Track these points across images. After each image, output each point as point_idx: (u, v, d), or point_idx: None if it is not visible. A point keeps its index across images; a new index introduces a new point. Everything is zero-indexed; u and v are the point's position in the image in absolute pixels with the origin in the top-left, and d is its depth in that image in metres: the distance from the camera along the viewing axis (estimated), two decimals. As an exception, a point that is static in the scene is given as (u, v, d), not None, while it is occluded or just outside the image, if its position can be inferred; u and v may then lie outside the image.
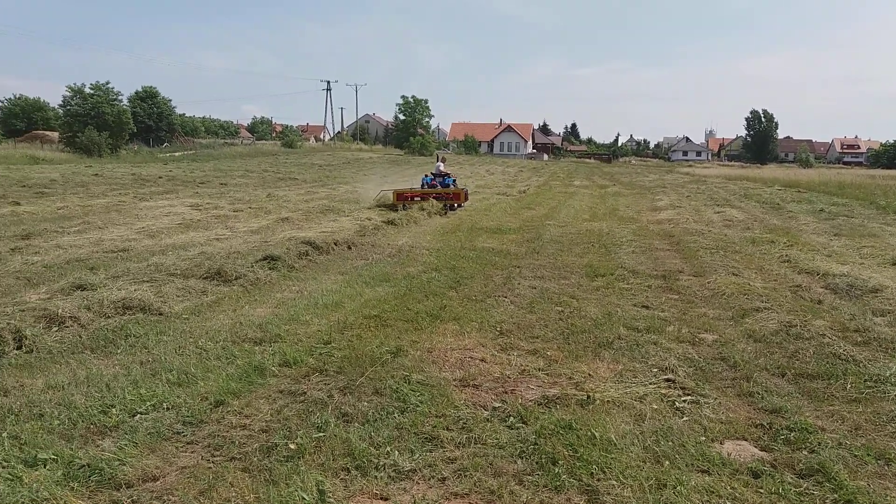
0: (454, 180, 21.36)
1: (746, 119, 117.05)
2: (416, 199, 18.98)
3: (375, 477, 3.75)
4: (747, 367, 5.74)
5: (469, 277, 9.45)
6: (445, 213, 18.47)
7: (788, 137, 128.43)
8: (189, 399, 4.76)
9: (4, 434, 4.12)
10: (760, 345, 6.45)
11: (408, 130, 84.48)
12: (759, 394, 5.12)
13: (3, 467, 3.71)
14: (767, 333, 6.76)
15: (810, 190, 30.49)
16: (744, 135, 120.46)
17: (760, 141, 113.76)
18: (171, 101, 69.10)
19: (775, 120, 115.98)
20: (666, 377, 5.42)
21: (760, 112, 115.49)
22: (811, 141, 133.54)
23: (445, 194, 19.50)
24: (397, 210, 17.73)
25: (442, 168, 21.38)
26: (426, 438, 4.24)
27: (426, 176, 21.27)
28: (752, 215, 19.71)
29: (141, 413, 4.52)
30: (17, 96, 68.03)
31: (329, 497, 3.50)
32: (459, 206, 19.66)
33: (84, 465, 3.75)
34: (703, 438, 4.32)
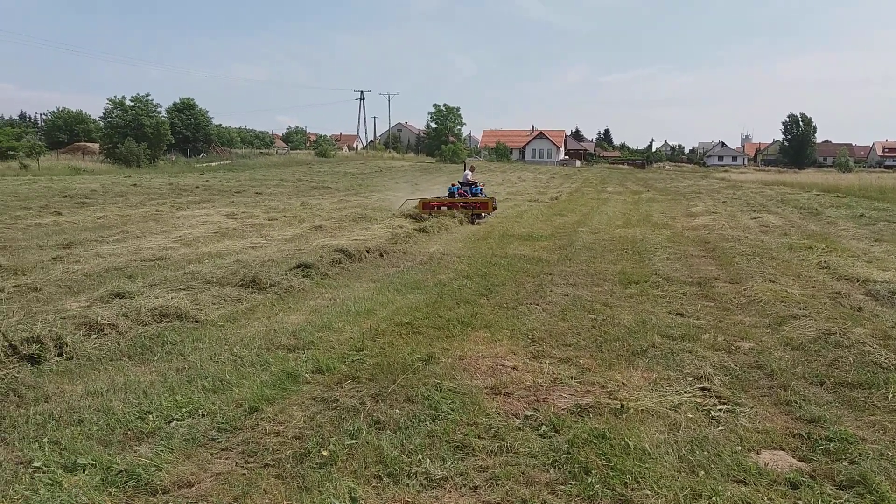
0: (482, 189, 20.87)
1: (783, 123, 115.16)
2: (442, 207, 18.62)
3: (407, 485, 3.76)
4: (785, 376, 5.63)
5: (500, 285, 9.43)
6: (472, 222, 18.25)
7: (827, 141, 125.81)
8: (224, 406, 4.83)
9: (45, 439, 4.22)
10: (798, 353, 6.31)
11: (439, 138, 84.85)
12: (796, 403, 5.02)
13: (44, 472, 3.79)
14: (805, 341, 6.63)
15: (850, 195, 29.87)
16: (781, 139, 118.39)
17: (798, 145, 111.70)
18: (207, 112, 70.62)
19: (813, 124, 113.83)
20: (701, 386, 5.34)
21: (798, 116, 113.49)
22: (851, 145, 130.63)
23: (473, 203, 19.07)
24: (425, 218, 17.49)
25: (470, 177, 20.92)
26: (458, 446, 4.23)
27: (453, 185, 20.77)
28: (790, 221, 19.35)
29: (177, 419, 4.60)
30: (60, 109, 69.95)
31: (361, 504, 3.52)
32: (487, 214, 19.29)
33: (122, 471, 3.82)
34: (740, 448, 4.24)
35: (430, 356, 5.98)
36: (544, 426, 4.55)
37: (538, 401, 5.06)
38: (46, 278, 9.40)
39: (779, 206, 25.21)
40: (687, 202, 27.73)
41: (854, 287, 9.29)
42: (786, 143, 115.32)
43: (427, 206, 18.51)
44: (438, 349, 6.24)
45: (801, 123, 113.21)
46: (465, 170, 21.64)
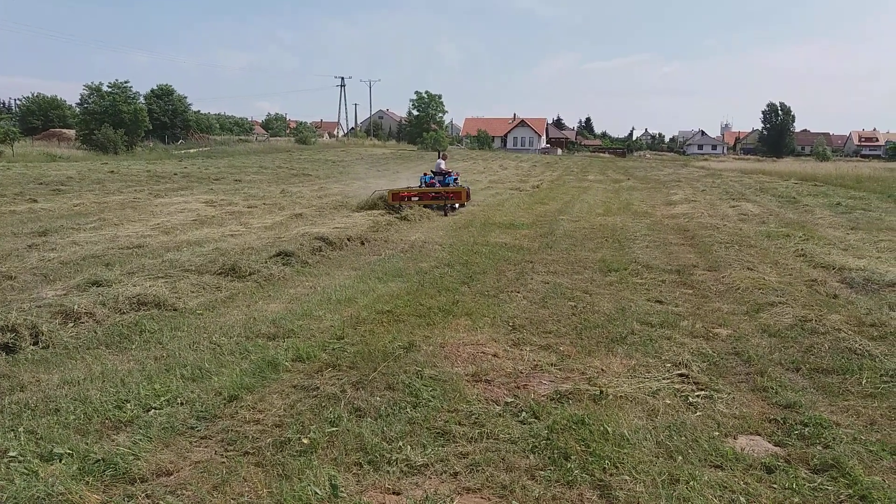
0: (456, 178, 19.86)
1: (763, 112, 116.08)
2: (413, 198, 17.57)
3: (388, 472, 3.76)
4: (761, 362, 5.70)
5: (481, 273, 9.44)
6: (445, 213, 17.28)
7: (805, 131, 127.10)
8: (203, 394, 4.80)
9: (21, 429, 4.18)
10: (775, 339, 6.40)
11: (421, 126, 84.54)
12: (773, 389, 5.09)
13: (20, 462, 3.75)
14: (782, 328, 6.72)
15: (827, 183, 30.19)
16: (760, 128, 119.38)
17: (777, 134, 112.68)
18: (186, 98, 69.72)
19: (792, 113, 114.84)
20: (679, 372, 5.39)
21: (777, 105, 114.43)
22: (828, 134, 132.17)
23: (445, 193, 17.99)
24: (395, 211, 16.45)
25: (443, 165, 19.93)
26: (438, 433, 4.25)
27: (425, 174, 19.79)
28: (768, 209, 19.55)
29: (155, 408, 4.56)
30: (35, 94, 68.74)
31: (342, 491, 3.52)
32: (461, 205, 18.38)
33: (99, 460, 3.79)
34: (717, 433, 4.30)
35: (412, 344, 5.98)
36: (524, 412, 4.58)
37: (518, 387, 5.09)
38: (21, 266, 9.26)
39: (757, 194, 25.45)
40: (667, 191, 27.90)
41: (830, 275, 9.42)
42: (765, 132, 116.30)
43: (396, 197, 17.27)
44: (419, 337, 6.24)
45: (780, 112, 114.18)
46: (438, 158, 20.79)
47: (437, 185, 18.91)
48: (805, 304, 7.64)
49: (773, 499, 3.56)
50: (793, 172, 38.92)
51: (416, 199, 17.56)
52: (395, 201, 17.10)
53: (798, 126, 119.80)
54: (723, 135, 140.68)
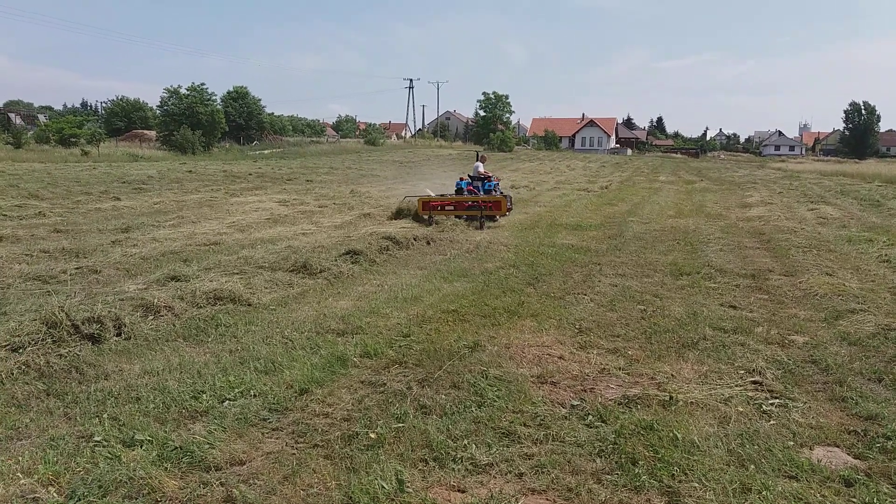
0: (496, 184, 17.24)
1: (845, 111, 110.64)
2: (448, 207, 15.52)
3: (453, 469, 3.79)
4: (840, 371, 5.47)
5: (548, 274, 9.38)
6: (480, 226, 14.66)
7: (891, 131, 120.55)
8: (275, 387, 4.94)
9: (105, 415, 4.39)
10: (855, 348, 6.12)
11: (488, 126, 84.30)
12: (852, 399, 4.88)
13: (104, 446, 3.95)
14: (863, 336, 6.42)
15: (916, 186, 28.63)
16: (841, 128, 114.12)
17: (859, 134, 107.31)
18: (260, 100, 71.66)
19: (877, 112, 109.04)
20: (753, 379, 5.23)
21: (861, 104, 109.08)
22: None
23: (483, 203, 15.38)
24: (424, 222, 14.68)
25: (481, 169, 17.39)
26: (503, 433, 4.25)
27: (461, 179, 17.16)
28: (849, 213, 18.70)
29: (229, 399, 4.72)
30: (119, 98, 71.92)
31: (407, 487, 3.57)
32: (502, 215, 15.70)
33: (176, 448, 3.95)
34: (792, 443, 4.15)
35: (477, 343, 6.00)
36: (591, 416, 4.53)
37: (585, 391, 5.03)
38: (106, 261, 9.73)
39: (838, 197, 24.38)
40: (742, 192, 27.04)
41: (918, 282, 8.94)
42: (846, 133, 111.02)
43: (427, 206, 15.23)
44: (485, 337, 6.25)
45: (863, 112, 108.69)
46: (476, 161, 18.17)
47: (477, 191, 16.61)
48: (889, 312, 7.28)
49: (853, 514, 3.42)
50: (876, 174, 37.04)
51: (451, 207, 15.54)
52: (425, 211, 15.15)
53: (883, 126, 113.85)
54: (801, 135, 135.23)
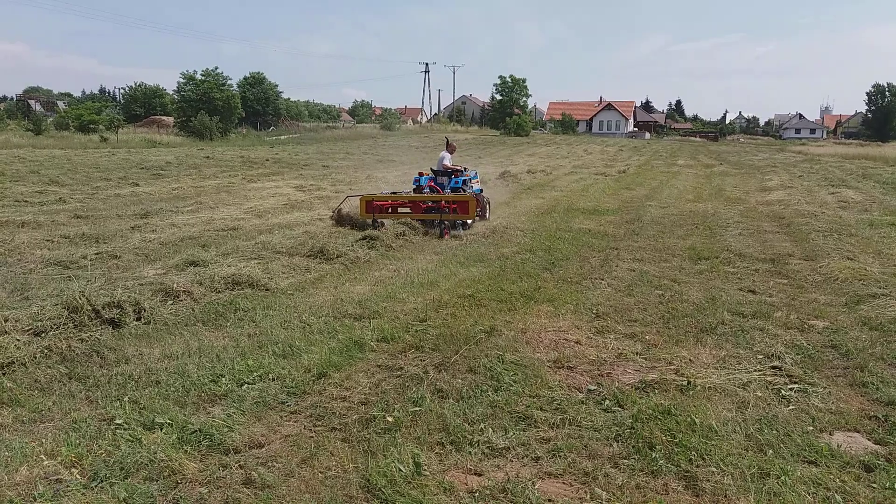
0: (467, 179, 12.96)
1: (868, 93, 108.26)
2: (400, 208, 12.41)
3: (470, 452, 3.80)
4: (861, 356, 5.41)
5: (564, 259, 9.34)
6: (442, 234, 11.34)
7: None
8: (293, 371, 4.97)
9: (126, 398, 4.45)
10: (876, 333, 6.05)
11: (504, 111, 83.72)
12: (873, 384, 4.82)
13: (125, 429, 4.00)
14: (885, 321, 6.34)
15: (940, 169, 28.13)
16: (864, 111, 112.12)
17: (883, 117, 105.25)
18: (277, 86, 71.76)
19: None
20: (772, 364, 5.18)
21: (885, 85, 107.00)
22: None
23: (444, 204, 11.57)
24: (370, 227, 11.37)
25: (447, 162, 13.03)
26: (520, 417, 4.25)
27: (421, 174, 13.14)
28: (871, 196, 18.41)
29: (248, 383, 4.76)
30: (137, 84, 72.32)
31: (425, 470, 3.58)
32: (473, 221, 12.36)
33: (196, 430, 3.99)
34: (811, 428, 4.12)
35: (493, 328, 6.00)
36: (608, 400, 4.52)
37: (602, 375, 5.02)
38: (125, 246, 9.83)
39: (860, 180, 24.01)
40: (761, 176, 26.72)
41: (941, 266, 8.80)
42: (869, 115, 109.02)
43: (372, 207, 11.82)
44: (501, 321, 6.25)
45: (886, 94, 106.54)
46: (444, 150, 13.57)
47: (441, 189, 12.56)
48: (912, 297, 7.18)
49: (873, 498, 3.38)
50: (901, 157, 36.44)
51: (407, 209, 12.34)
52: (368, 213, 11.81)
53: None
54: (822, 118, 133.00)
